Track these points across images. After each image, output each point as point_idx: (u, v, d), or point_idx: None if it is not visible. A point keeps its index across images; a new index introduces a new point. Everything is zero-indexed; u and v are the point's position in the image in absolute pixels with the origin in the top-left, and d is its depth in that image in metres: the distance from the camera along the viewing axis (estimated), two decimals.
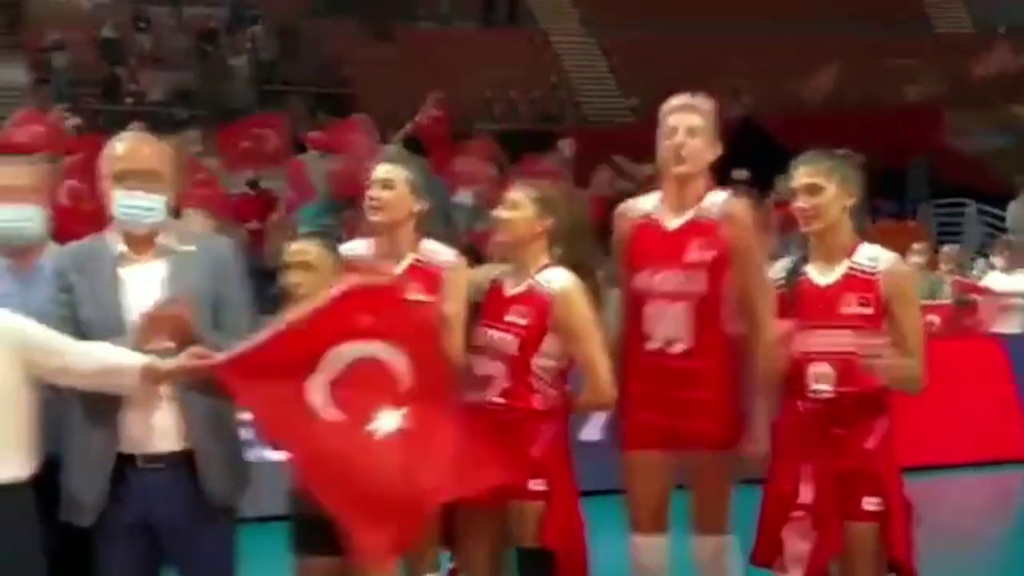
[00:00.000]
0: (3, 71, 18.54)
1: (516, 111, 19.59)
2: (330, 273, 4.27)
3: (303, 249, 4.35)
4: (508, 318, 4.46)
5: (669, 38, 21.08)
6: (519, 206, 4.51)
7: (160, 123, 15.17)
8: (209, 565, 4.08)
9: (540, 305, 4.45)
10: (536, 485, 4.43)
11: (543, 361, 4.47)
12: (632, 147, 14.39)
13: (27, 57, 18.88)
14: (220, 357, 3.82)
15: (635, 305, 4.67)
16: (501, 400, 4.44)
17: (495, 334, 4.47)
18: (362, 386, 3.90)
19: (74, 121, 13.54)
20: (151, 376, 3.84)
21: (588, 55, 22.33)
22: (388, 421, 3.91)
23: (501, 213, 4.52)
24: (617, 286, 4.79)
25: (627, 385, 4.62)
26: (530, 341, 4.44)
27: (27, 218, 4.23)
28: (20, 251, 4.24)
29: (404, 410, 3.92)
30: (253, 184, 13.13)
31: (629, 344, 4.68)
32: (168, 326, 3.89)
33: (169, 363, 3.83)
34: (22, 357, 3.83)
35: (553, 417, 4.50)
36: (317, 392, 3.88)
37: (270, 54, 19.67)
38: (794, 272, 4.47)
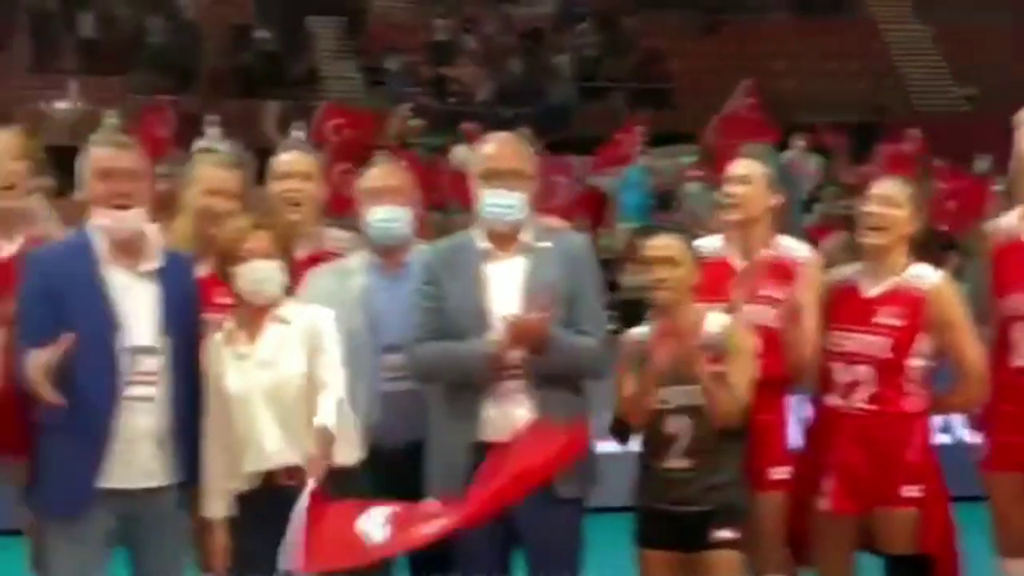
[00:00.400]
0: (340, 73, 19.56)
1: (841, 102, 19.10)
2: (691, 269, 4.27)
3: (667, 244, 4.28)
4: (877, 320, 4.37)
5: (1004, 25, 20.09)
6: (896, 203, 4.40)
7: (486, 122, 15.59)
8: (557, 552, 4.21)
9: (912, 304, 4.35)
10: (909, 491, 4.33)
11: (916, 362, 4.38)
12: (965, 140, 13.84)
13: (362, 60, 19.80)
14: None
15: (1005, 326, 4.56)
16: (872, 406, 4.35)
17: (861, 337, 4.38)
18: None
19: (416, 122, 14.17)
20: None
21: (919, 43, 21.54)
22: None
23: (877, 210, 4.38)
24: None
25: (994, 404, 4.50)
26: (904, 342, 4.34)
27: (397, 218, 4.44)
28: (390, 250, 4.46)
29: None
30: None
31: (997, 364, 4.54)
32: (529, 334, 4.01)
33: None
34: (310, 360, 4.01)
35: (923, 419, 4.41)
36: None
37: (593, 51, 19.90)
38: None
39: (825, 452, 4.43)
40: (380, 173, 4.51)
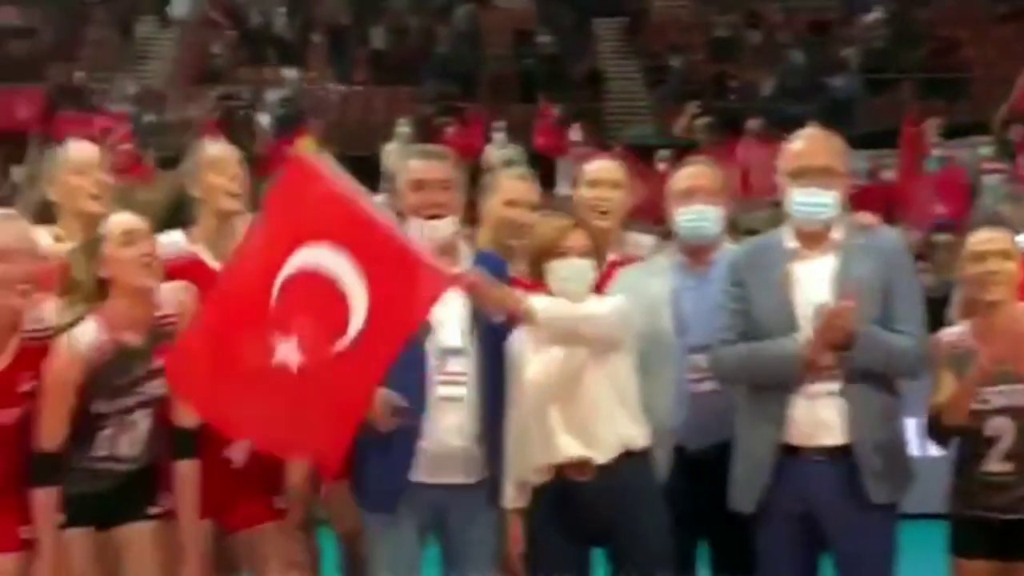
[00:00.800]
0: (622, 74, 19.65)
1: None
2: (1019, 264, 4.09)
3: (999, 237, 4.12)
4: None
5: None
6: None
7: (771, 119, 15.35)
8: (868, 558, 4.08)
9: None
10: None
11: None
12: None
13: (644, 61, 19.83)
14: None
15: None
16: None
17: None
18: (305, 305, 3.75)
19: (703, 120, 14.08)
20: None
21: None
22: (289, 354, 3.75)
23: None
24: None
25: None
26: None
27: (707, 218, 4.41)
28: (698, 249, 4.44)
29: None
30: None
31: None
32: (836, 327, 3.92)
33: None
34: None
35: None
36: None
37: (882, 42, 19.33)
38: None
39: None
40: (691, 172, 4.50)
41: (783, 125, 15.51)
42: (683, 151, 11.13)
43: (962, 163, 13.56)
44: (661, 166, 12.59)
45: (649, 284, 4.37)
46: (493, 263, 4.22)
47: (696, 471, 4.21)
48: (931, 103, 16.20)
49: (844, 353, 3.96)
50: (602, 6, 20.47)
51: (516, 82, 18.86)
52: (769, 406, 4.06)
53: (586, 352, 3.97)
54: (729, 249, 4.41)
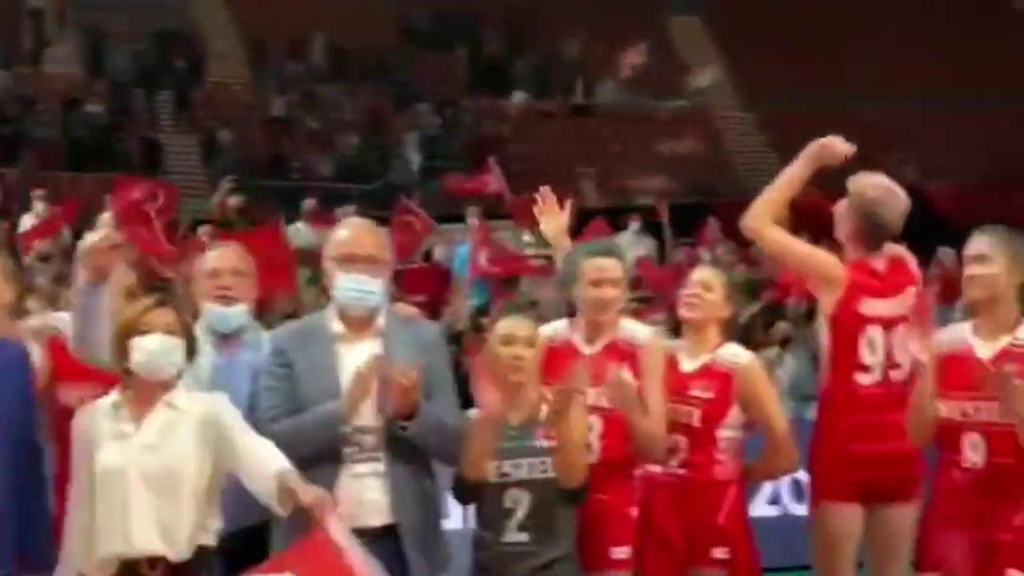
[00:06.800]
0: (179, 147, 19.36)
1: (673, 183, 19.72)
2: (538, 353, 4.37)
3: (526, 324, 4.36)
4: (690, 392, 4.60)
5: (828, 112, 20.96)
6: (711, 287, 4.68)
7: (328, 199, 15.56)
8: None
9: (723, 379, 4.60)
10: (720, 553, 4.51)
11: (726, 432, 4.60)
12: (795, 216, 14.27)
13: (198, 135, 19.63)
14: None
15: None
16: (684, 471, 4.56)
17: (676, 407, 4.57)
18: None
19: (236, 200, 13.82)
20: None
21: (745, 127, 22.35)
22: None
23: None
24: None
25: None
26: (714, 413, 4.60)
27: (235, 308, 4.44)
28: (229, 335, 4.43)
29: None
30: (426, 256, 13.31)
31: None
32: (406, 402, 4.01)
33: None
34: (214, 449, 3.88)
35: (735, 486, 4.63)
36: None
37: (434, 130, 20.10)
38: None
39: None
40: (219, 255, 4.51)
41: (339, 206, 15.79)
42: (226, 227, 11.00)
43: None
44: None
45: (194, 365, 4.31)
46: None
47: (235, 550, 4.09)
48: None
49: (405, 423, 4.05)
50: (156, 77, 20.10)
51: (63, 150, 18.15)
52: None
53: None
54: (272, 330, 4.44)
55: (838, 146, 4.73)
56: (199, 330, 4.18)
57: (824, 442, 4.71)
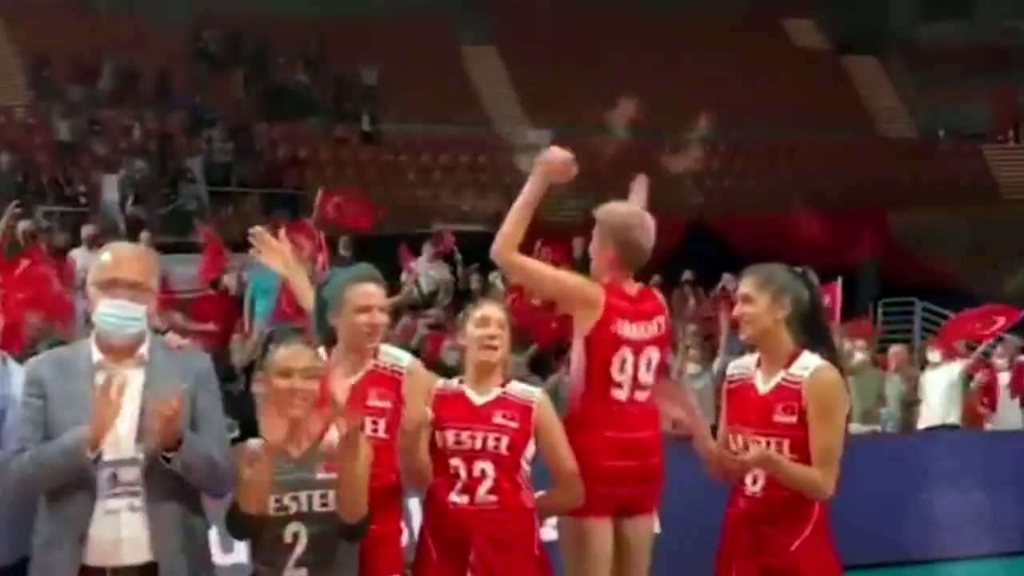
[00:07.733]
0: None
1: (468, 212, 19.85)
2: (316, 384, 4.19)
3: (304, 355, 4.21)
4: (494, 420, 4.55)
5: (607, 139, 21.40)
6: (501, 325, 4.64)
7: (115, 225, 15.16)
8: None
9: (522, 411, 4.59)
10: None
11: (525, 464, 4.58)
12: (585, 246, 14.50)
13: None
14: None
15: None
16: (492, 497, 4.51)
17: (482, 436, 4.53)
18: None
19: (25, 224, 13.38)
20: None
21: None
22: None
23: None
24: None
25: None
26: (518, 443, 4.56)
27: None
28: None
29: None
30: (214, 284, 13.05)
31: None
32: (169, 433, 3.86)
33: None
34: None
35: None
36: None
37: (225, 156, 19.77)
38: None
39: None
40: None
41: (127, 231, 15.37)
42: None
43: None
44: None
45: None
46: None
47: None
48: (277, 215, 16.74)
49: (168, 455, 3.88)
50: None
51: None
52: (69, 526, 3.89)
53: None
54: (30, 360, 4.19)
55: (560, 156, 4.72)
56: None
57: (578, 459, 4.71)
